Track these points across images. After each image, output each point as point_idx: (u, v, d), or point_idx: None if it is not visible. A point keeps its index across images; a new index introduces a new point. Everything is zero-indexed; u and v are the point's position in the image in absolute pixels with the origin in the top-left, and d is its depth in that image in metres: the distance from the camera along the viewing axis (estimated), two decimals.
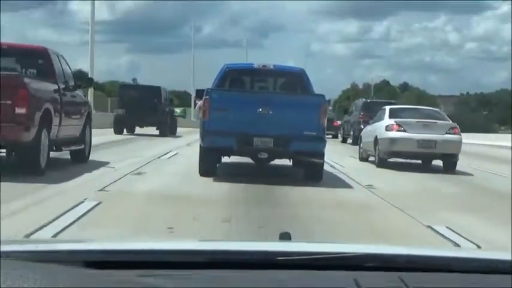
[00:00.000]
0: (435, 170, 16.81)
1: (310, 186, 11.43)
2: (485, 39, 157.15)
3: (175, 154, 17.72)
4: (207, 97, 12.01)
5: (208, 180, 11.41)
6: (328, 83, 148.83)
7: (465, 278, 1.70)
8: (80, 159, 13.27)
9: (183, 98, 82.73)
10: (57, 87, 11.87)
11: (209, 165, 12.38)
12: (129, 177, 11.50)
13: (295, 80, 13.35)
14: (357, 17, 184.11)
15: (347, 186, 12.20)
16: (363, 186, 12.11)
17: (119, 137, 24.98)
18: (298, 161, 12.92)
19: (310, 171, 12.47)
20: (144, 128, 28.20)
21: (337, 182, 12.66)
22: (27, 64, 11.74)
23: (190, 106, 59.65)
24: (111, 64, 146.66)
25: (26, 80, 10.53)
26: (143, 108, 26.62)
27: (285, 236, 2.14)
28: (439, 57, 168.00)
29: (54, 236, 6.13)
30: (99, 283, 1.27)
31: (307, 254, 1.70)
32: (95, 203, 8.20)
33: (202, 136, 12.19)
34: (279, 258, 1.66)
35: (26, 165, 10.58)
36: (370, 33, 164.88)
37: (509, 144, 33.49)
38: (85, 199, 8.39)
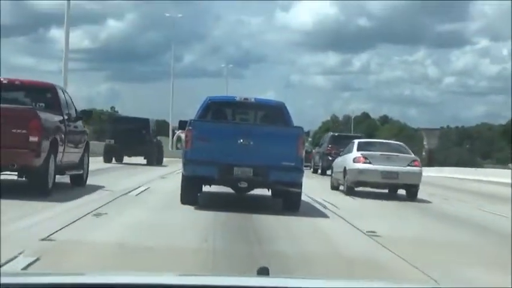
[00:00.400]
0: (396, 198, 18.54)
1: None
2: (464, 74, 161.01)
3: (146, 189, 16.28)
4: (190, 128, 12.57)
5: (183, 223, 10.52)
6: (308, 115, 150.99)
7: None
8: (78, 183, 14.92)
9: (161, 127, 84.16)
10: (62, 118, 13.59)
11: (191, 194, 12.79)
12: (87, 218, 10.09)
13: (275, 113, 13.90)
14: (336, 49, 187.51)
15: (321, 214, 13.37)
16: (329, 210, 13.75)
17: (107, 165, 26.57)
18: (276, 191, 13.49)
19: (288, 201, 12.96)
20: (133, 157, 29.78)
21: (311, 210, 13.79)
22: (37, 98, 13.47)
23: (168, 136, 60.99)
24: (91, 92, 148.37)
25: (39, 112, 12.25)
26: (132, 138, 28.28)
27: (263, 271, 2.13)
28: (418, 90, 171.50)
29: None
30: None
31: None
32: (32, 259, 6.62)
33: (185, 165, 12.67)
34: None
35: (36, 187, 12.28)
36: (349, 66, 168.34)
37: (501, 180, 34.19)
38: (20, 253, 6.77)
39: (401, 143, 22.19)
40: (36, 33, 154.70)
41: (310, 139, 38.56)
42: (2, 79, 13.93)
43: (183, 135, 12.96)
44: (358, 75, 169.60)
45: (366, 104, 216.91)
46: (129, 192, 14.93)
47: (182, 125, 13.74)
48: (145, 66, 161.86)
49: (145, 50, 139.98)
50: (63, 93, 14.51)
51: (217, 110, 14.15)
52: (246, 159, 12.40)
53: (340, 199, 17.35)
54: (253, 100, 14.21)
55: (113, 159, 29.28)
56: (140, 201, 13.54)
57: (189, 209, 12.21)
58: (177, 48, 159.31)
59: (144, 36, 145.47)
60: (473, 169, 48.50)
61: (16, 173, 12.69)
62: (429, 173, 46.96)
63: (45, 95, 13.74)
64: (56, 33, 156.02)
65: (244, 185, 12.71)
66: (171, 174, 22.77)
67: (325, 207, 14.35)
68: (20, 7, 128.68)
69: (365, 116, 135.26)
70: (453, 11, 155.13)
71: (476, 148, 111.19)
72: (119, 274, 2.38)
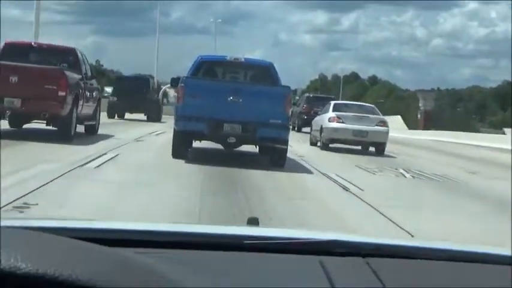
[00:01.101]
0: (366, 153, 21.46)
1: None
2: (452, 36, 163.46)
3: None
4: (182, 84, 13.39)
5: None
6: (296, 73, 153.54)
7: (431, 265, 1.75)
8: (92, 132, 17.93)
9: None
10: (81, 76, 16.53)
11: (181, 148, 13.70)
12: None
13: (263, 73, 14.64)
14: (325, 8, 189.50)
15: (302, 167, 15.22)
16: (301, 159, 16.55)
17: (110, 120, 29.43)
18: (264, 147, 14.49)
19: (275, 157, 13.86)
20: (134, 114, 32.63)
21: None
22: (61, 59, 16.38)
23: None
24: (76, 45, 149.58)
25: (66, 72, 15.21)
26: (134, 96, 31.14)
27: (253, 221, 2.20)
28: (406, 52, 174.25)
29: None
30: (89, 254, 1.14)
31: (275, 239, 1.76)
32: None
33: (176, 120, 13.54)
34: (246, 241, 1.72)
35: (62, 133, 15.30)
36: (338, 25, 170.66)
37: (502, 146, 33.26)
38: None
39: (373, 105, 25.27)
40: None
41: (297, 97, 41.03)
42: (32, 43, 16.86)
43: (170, 91, 14.90)
44: (346, 34, 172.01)
45: (353, 64, 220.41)
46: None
47: (174, 82, 14.57)
48: (132, 22, 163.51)
49: (132, 4, 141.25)
50: (82, 55, 17.41)
51: (208, 68, 14.81)
52: (235, 116, 13.22)
53: (316, 153, 20.18)
54: (243, 60, 14.99)
55: (115, 115, 32.04)
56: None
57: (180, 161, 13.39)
58: (165, 4, 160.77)
59: None
60: (471, 134, 48.61)
61: (45, 122, 15.63)
62: (426, 136, 47.22)
63: (68, 57, 16.72)
64: None
65: (232, 140, 13.52)
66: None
67: (302, 159, 16.76)
68: None
69: (354, 76, 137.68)
70: None
71: (470, 111, 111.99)
72: (115, 221, 2.38)
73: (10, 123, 16.56)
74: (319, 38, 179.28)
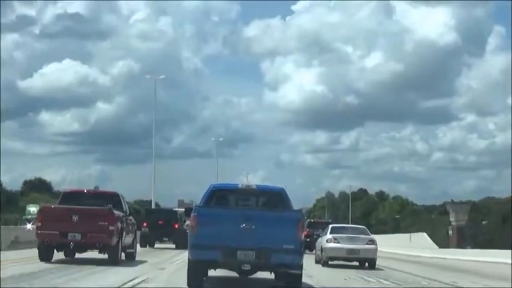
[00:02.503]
0: (359, 267, 26.16)
1: None
2: (452, 149, 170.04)
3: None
4: (195, 214, 14.02)
5: None
6: (299, 192, 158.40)
7: None
8: (131, 258, 23.12)
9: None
10: (123, 214, 21.86)
11: (196, 277, 14.39)
12: None
13: (275, 198, 15.32)
14: (324, 128, 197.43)
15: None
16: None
17: (143, 249, 34.36)
18: (278, 273, 14.99)
19: (290, 283, 14.53)
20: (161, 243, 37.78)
21: None
22: (107, 201, 21.75)
23: None
24: (81, 174, 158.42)
25: (114, 211, 20.59)
26: (163, 227, 36.41)
27: None
28: (407, 166, 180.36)
29: None
30: None
31: None
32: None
33: (190, 249, 14.08)
34: None
35: (112, 259, 20.48)
36: (338, 144, 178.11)
37: None
38: None
39: (363, 227, 30.50)
40: (26, 117, 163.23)
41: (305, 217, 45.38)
42: (85, 190, 22.43)
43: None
44: (347, 152, 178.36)
45: (355, 181, 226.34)
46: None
47: (188, 211, 15.53)
48: (134, 148, 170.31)
49: (134, 132, 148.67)
50: (122, 197, 22.89)
51: (220, 196, 15.45)
52: (248, 243, 13.70)
53: (317, 269, 24.85)
54: (254, 187, 15.71)
55: (147, 245, 37.04)
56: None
57: None
58: (166, 130, 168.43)
59: (134, 118, 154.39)
60: None
61: (98, 250, 20.88)
62: (468, 256, 41.77)
63: (112, 199, 22.14)
64: (45, 117, 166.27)
65: (247, 267, 14.03)
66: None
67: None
68: (9, 91, 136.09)
69: (362, 192, 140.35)
70: (438, 87, 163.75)
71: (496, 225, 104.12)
72: None
73: (65, 254, 21.74)
74: (320, 158, 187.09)
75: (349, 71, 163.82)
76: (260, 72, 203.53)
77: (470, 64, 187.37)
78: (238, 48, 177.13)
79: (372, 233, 29.78)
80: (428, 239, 73.62)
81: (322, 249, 27.85)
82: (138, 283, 15.38)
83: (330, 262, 27.29)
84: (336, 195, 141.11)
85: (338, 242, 27.16)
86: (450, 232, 65.34)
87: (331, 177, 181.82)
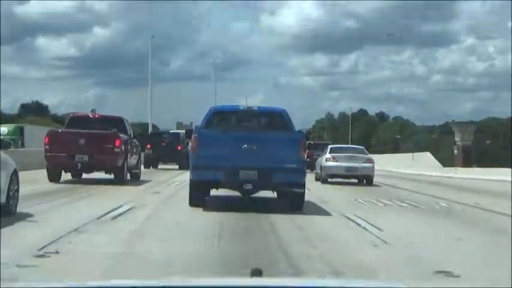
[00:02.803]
0: (357, 184, 27.32)
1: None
2: (451, 72, 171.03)
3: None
4: (196, 135, 14.31)
5: None
6: (298, 114, 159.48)
7: None
8: (136, 178, 24.12)
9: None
10: (127, 137, 22.74)
11: (198, 197, 14.56)
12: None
13: (277, 119, 15.39)
14: (324, 51, 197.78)
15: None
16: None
17: (147, 170, 35.28)
18: (281, 192, 15.16)
19: (293, 201, 14.60)
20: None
21: None
22: (113, 125, 22.64)
23: None
24: (79, 98, 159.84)
25: (119, 134, 21.46)
26: (167, 149, 37.29)
27: (256, 273, 2.33)
28: (406, 89, 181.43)
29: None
30: None
31: None
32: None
33: (192, 170, 14.44)
34: None
35: (118, 179, 21.44)
36: (337, 67, 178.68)
37: None
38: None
39: (362, 147, 31.51)
40: (23, 42, 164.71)
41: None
42: (90, 114, 23.30)
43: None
44: (346, 75, 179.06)
45: (354, 102, 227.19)
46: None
47: (189, 133, 15.97)
48: (131, 72, 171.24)
49: (132, 55, 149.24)
50: (126, 121, 23.75)
51: (221, 118, 15.75)
52: (250, 162, 13.96)
53: (317, 186, 25.98)
54: (256, 108, 15.88)
55: (151, 166, 37.89)
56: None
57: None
58: (164, 53, 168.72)
59: (132, 42, 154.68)
60: None
61: (104, 171, 21.86)
62: (473, 175, 41.78)
63: (117, 123, 22.99)
64: (42, 42, 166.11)
65: (249, 186, 14.22)
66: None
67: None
68: (6, 16, 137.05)
69: (362, 113, 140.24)
70: (438, 10, 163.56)
71: (500, 145, 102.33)
72: (119, 280, 2.64)
73: (72, 176, 22.72)
74: (319, 80, 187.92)
75: None
76: None
77: None
78: None
79: (372, 153, 30.79)
80: (433, 158, 74.16)
81: (321, 168, 28.86)
82: (126, 211, 13.80)
83: (329, 180, 28.33)
84: (336, 116, 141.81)
85: (337, 161, 28.17)
86: (455, 151, 65.39)
87: (330, 99, 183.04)
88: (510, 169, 38.58)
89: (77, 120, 23.46)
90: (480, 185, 31.29)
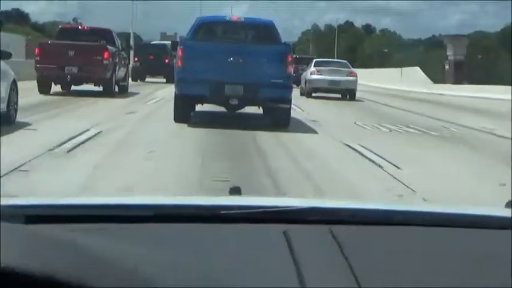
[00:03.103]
0: (340, 99, 28.16)
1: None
2: None
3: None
4: (181, 47, 13.86)
5: None
6: (284, 26, 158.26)
7: (403, 231, 1.70)
8: (124, 91, 24.79)
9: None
10: (116, 50, 23.30)
11: (183, 112, 14.15)
12: None
13: (264, 32, 14.92)
14: None
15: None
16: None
17: (134, 83, 35.79)
18: (267, 107, 14.73)
19: (278, 117, 14.25)
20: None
21: None
22: (101, 37, 23.16)
23: None
24: (63, 6, 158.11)
25: (108, 46, 22.03)
26: (154, 61, 37.62)
27: (235, 191, 2.27)
28: (393, 1, 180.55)
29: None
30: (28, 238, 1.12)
31: (250, 208, 1.80)
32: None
33: (177, 84, 14.00)
34: (222, 212, 1.78)
35: (107, 91, 22.16)
36: None
37: None
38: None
39: (345, 61, 32.38)
40: None
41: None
42: (79, 27, 23.77)
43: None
44: None
45: (340, 14, 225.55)
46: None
47: (175, 45, 15.11)
48: None
49: None
50: (114, 34, 24.26)
51: (208, 29, 15.30)
52: (236, 77, 13.58)
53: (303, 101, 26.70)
54: (242, 19, 15.49)
55: (138, 79, 38.25)
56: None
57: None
58: None
59: None
60: None
61: (93, 83, 22.48)
62: (466, 92, 39.83)
63: (106, 35, 23.52)
64: None
65: (235, 102, 13.94)
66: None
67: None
68: None
69: (349, 25, 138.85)
70: None
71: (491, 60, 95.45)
72: (100, 197, 2.54)
73: (62, 87, 23.29)
74: None
75: None
76: None
77: None
78: None
79: (357, 68, 31.41)
80: (422, 73, 70.59)
81: (306, 81, 29.64)
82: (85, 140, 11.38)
83: (313, 94, 29.12)
84: (322, 28, 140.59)
85: (321, 74, 28.94)
86: (447, 67, 61.86)
87: (316, 9, 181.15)
88: (509, 87, 36.80)
89: (67, 32, 24.00)
90: (478, 104, 29.45)
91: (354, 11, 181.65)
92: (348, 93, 29.13)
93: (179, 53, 13.83)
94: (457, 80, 55.87)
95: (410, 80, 64.87)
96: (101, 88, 22.68)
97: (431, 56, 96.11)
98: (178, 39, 17.52)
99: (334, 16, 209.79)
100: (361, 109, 23.37)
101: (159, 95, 24.59)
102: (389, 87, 54.09)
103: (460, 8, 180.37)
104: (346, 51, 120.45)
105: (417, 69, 71.56)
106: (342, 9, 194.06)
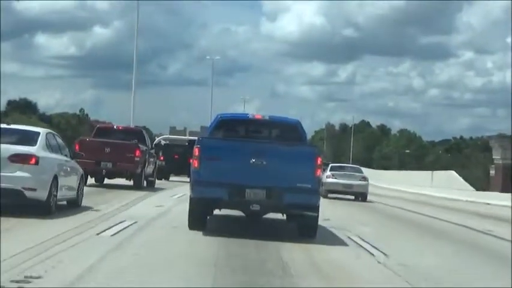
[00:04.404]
0: (353, 200, 30.28)
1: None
2: (449, 86, 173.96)
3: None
4: (199, 146, 12.87)
5: None
6: None
7: None
8: (151, 186, 27.05)
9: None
10: (145, 148, 25.70)
11: (199, 218, 13.31)
12: None
13: (290, 131, 14.27)
14: (322, 60, 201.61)
15: None
16: None
17: (158, 181, 37.18)
18: (292, 215, 13.67)
19: (304, 226, 13.37)
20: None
21: None
22: (133, 137, 25.76)
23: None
24: (75, 98, 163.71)
25: (139, 145, 24.46)
26: (179, 161, 39.17)
27: None
28: (403, 102, 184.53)
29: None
30: None
31: None
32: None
33: (193, 186, 13.01)
34: None
35: (137, 185, 24.48)
36: (335, 76, 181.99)
37: None
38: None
39: (358, 166, 35.49)
40: (21, 39, 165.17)
41: None
42: (115, 127, 26.30)
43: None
44: (343, 85, 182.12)
45: (349, 114, 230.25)
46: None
47: (192, 144, 14.70)
48: (129, 74, 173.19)
49: (130, 57, 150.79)
50: (145, 132, 26.77)
51: (228, 128, 14.54)
52: (258, 180, 12.68)
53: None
54: (266, 118, 14.49)
55: (162, 178, 38.50)
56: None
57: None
58: (162, 57, 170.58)
59: (130, 44, 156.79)
60: None
61: (125, 178, 24.79)
62: None
63: (137, 135, 26.07)
64: (41, 39, 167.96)
65: (256, 208, 12.89)
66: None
67: None
68: (5, 12, 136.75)
69: (364, 125, 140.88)
70: (438, 23, 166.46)
71: None
72: None
73: (95, 180, 25.61)
74: (316, 89, 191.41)
75: (350, 4, 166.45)
76: (259, 2, 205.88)
77: (471, 1, 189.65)
78: None
79: (377, 169, 33.36)
80: (460, 179, 62.59)
81: (322, 184, 31.80)
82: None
83: (329, 195, 31.41)
84: (337, 127, 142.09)
85: (336, 178, 31.52)
86: (492, 172, 55.25)
87: (326, 109, 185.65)
88: None
89: (103, 131, 27.12)
90: None
91: (363, 112, 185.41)
92: (360, 196, 31.84)
93: (196, 152, 12.88)
94: (505, 188, 48.04)
95: (445, 185, 58.57)
96: (131, 182, 25.00)
97: (474, 158, 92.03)
98: (187, 134, 18.29)
99: (343, 116, 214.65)
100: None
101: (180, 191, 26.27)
102: (418, 191, 52.10)
103: (471, 111, 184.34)
104: (362, 151, 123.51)
105: (452, 173, 64.46)
106: (352, 110, 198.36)
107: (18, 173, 13.42)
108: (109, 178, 25.62)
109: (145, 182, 26.06)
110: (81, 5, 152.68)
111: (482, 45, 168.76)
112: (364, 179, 32.49)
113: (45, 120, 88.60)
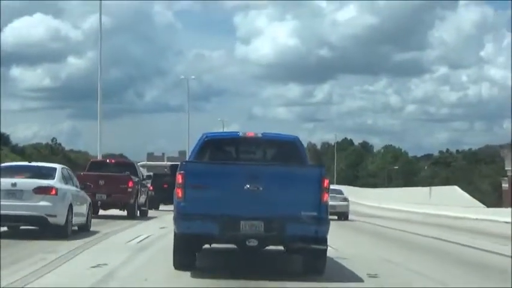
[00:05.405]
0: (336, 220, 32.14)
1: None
2: (425, 102, 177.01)
3: None
4: (182, 172, 11.16)
5: None
6: None
7: None
8: (144, 215, 28.96)
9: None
10: (138, 179, 27.63)
11: (185, 256, 11.77)
12: None
13: (288, 150, 12.64)
14: (298, 81, 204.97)
15: None
16: None
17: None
18: (295, 248, 11.90)
19: (310, 261, 11.73)
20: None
21: None
22: (125, 169, 27.74)
23: None
24: (52, 130, 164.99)
25: (132, 177, 26.48)
26: (169, 190, 40.49)
27: None
28: (381, 119, 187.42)
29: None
30: None
31: None
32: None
33: (177, 220, 11.33)
34: None
35: (130, 215, 26.46)
36: (311, 97, 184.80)
37: None
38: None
39: (339, 188, 37.92)
40: None
41: None
42: (107, 160, 28.33)
43: None
44: (320, 105, 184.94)
45: (329, 134, 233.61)
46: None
47: (174, 169, 13.19)
48: (106, 104, 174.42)
49: (106, 87, 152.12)
50: (137, 166, 28.72)
51: (216, 149, 12.89)
52: (255, 210, 11.01)
53: None
54: (259, 135, 12.75)
55: (152, 208, 39.05)
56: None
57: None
58: (139, 84, 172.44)
59: (105, 73, 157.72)
60: None
61: (119, 208, 26.68)
62: None
63: (130, 167, 28.14)
64: (16, 72, 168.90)
65: (253, 243, 11.20)
66: None
67: None
68: None
69: (347, 142, 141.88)
70: (411, 40, 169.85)
71: None
72: None
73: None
74: (294, 110, 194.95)
75: (322, 24, 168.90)
76: (233, 27, 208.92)
77: (443, 17, 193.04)
78: (210, 3, 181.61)
79: (362, 186, 35.47)
80: (465, 194, 56.62)
81: None
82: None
83: None
84: (318, 147, 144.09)
85: None
86: (505, 185, 50.04)
87: (305, 130, 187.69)
88: None
89: (96, 165, 29.31)
90: None
91: (343, 130, 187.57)
92: (342, 216, 34.53)
93: (179, 179, 11.17)
94: None
95: (446, 201, 52.94)
96: (125, 212, 26.96)
97: (475, 171, 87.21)
98: (166, 160, 17.92)
99: (322, 136, 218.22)
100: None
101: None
102: (415, 210, 49.43)
103: (448, 125, 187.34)
104: (345, 169, 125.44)
105: (455, 188, 58.08)
106: (331, 130, 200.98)
107: (42, 203, 16.37)
108: (104, 209, 27.60)
109: (138, 211, 28.05)
110: (55, 35, 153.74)
111: (456, 60, 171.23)
112: (345, 199, 35.52)
113: (17, 151, 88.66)
